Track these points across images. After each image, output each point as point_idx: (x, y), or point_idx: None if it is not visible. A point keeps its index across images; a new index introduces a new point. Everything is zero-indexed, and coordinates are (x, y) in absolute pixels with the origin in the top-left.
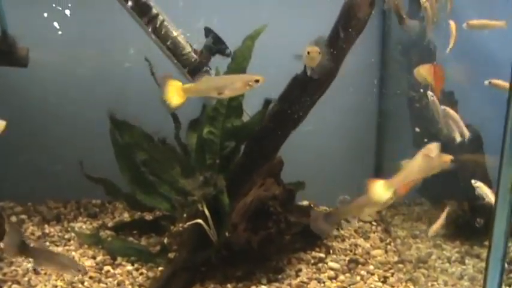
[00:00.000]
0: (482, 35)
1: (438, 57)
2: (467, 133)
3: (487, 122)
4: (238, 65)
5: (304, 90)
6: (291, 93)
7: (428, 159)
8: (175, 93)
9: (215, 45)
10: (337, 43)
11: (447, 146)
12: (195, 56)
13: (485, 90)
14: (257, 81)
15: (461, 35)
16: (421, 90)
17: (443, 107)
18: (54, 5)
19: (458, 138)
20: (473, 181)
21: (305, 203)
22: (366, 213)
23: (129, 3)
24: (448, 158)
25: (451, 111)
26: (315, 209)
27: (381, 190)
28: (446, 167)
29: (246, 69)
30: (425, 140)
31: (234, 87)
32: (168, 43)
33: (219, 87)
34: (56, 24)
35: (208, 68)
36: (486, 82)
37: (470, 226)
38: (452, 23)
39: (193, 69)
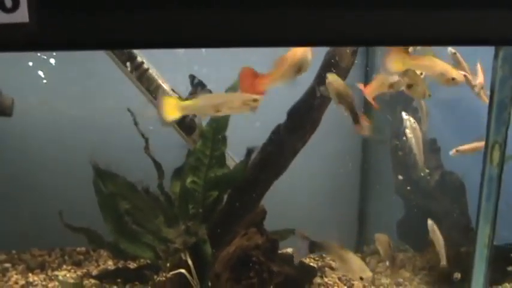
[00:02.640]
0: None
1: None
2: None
3: (470, 169)
4: (220, 115)
5: (287, 139)
6: (274, 143)
7: None
8: (171, 109)
9: (200, 92)
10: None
11: (430, 193)
12: None
13: (468, 138)
14: (255, 100)
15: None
16: (404, 139)
17: None
18: (39, 54)
19: None
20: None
21: (289, 250)
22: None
23: (114, 51)
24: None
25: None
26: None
27: None
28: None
29: (228, 119)
30: (408, 187)
31: (231, 106)
32: (153, 91)
33: (216, 105)
34: (40, 72)
35: (193, 116)
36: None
37: (453, 273)
38: None
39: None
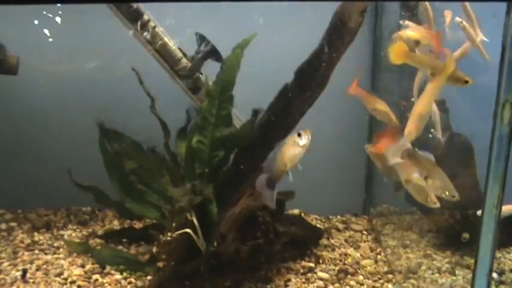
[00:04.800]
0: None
1: None
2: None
3: (478, 131)
4: (227, 74)
5: (294, 100)
6: (281, 103)
7: None
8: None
9: (207, 51)
10: (328, 52)
11: (438, 155)
12: (186, 61)
13: (477, 100)
14: None
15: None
16: (412, 100)
17: None
18: (44, 12)
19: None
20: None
21: (296, 211)
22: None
23: (121, 9)
24: None
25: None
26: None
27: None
28: None
29: (235, 78)
30: (416, 149)
31: None
32: (159, 49)
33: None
34: (46, 31)
35: (199, 74)
36: None
37: (461, 236)
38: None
39: (184, 75)
